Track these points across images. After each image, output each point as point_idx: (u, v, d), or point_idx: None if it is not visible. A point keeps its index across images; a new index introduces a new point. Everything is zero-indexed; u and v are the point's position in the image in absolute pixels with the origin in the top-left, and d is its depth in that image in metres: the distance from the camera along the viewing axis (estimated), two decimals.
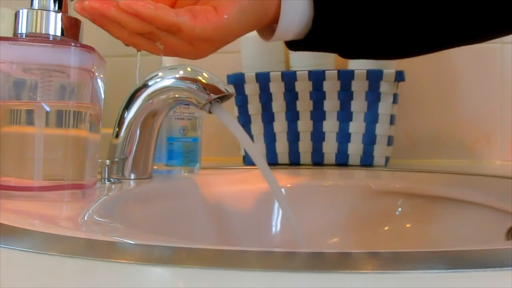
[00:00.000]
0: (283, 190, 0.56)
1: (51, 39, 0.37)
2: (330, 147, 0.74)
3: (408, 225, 0.54)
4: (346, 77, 0.71)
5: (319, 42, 0.42)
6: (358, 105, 0.72)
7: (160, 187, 0.51)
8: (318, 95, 0.73)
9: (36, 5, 0.38)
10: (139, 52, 0.44)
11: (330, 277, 0.20)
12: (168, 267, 0.21)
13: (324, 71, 0.71)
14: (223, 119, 0.49)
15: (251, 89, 0.74)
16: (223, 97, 0.50)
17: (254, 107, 0.75)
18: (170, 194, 0.51)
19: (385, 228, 0.55)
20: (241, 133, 0.48)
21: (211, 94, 0.48)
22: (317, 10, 0.38)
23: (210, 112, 0.50)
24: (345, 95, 0.72)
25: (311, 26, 0.39)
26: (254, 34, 0.75)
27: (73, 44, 0.36)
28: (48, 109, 0.36)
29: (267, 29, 0.43)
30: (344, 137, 0.73)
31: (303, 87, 0.72)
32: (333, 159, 0.74)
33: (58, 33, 0.38)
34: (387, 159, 0.74)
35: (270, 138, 0.75)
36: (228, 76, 0.74)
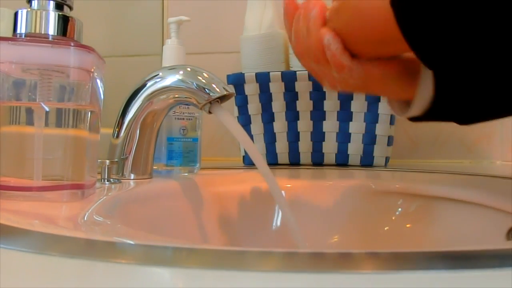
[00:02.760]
0: (283, 191, 0.56)
1: (50, 39, 0.37)
2: (330, 147, 0.74)
3: (408, 225, 0.54)
4: None
5: (437, 117, 0.44)
6: (358, 105, 0.72)
7: (160, 187, 0.51)
8: (318, 95, 0.73)
9: (35, 5, 0.38)
10: None
11: (330, 277, 0.20)
12: (168, 267, 0.21)
13: None
14: (222, 119, 0.49)
15: (251, 89, 0.73)
16: (223, 97, 0.50)
17: (254, 107, 0.74)
18: (170, 194, 0.51)
19: (385, 228, 0.55)
20: (241, 133, 0.48)
21: (211, 94, 0.48)
22: (438, 93, 0.40)
23: (210, 112, 0.50)
24: (345, 95, 0.72)
25: (430, 105, 0.41)
26: (253, 33, 0.75)
27: (72, 44, 0.36)
28: (47, 109, 0.36)
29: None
30: (344, 137, 0.73)
31: (303, 87, 0.72)
32: (333, 159, 0.74)
33: (58, 33, 0.38)
34: (387, 159, 0.74)
35: (270, 138, 0.75)
36: (228, 76, 0.74)
